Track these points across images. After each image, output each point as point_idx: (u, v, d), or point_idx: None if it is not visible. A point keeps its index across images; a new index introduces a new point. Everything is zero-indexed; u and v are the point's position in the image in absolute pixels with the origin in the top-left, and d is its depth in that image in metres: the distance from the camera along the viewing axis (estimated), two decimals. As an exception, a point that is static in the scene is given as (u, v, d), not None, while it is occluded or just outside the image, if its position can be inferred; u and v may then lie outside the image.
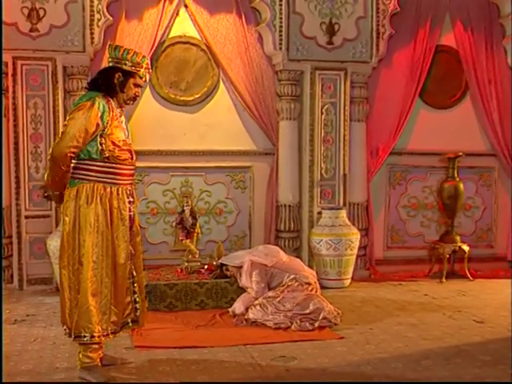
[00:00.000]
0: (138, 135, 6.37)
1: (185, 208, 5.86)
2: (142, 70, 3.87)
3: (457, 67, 7.16)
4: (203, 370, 3.95)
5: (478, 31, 7.08)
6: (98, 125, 3.70)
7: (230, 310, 5.18)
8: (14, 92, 5.99)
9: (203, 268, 5.80)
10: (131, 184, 3.95)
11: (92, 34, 6.02)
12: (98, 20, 6.04)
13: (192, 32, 6.56)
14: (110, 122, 3.75)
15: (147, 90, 6.50)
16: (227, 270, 5.51)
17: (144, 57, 3.94)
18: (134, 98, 3.96)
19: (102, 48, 6.12)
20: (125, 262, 3.83)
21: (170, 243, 6.59)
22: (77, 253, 3.74)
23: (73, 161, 3.75)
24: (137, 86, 3.90)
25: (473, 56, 7.06)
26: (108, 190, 3.77)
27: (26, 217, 6.08)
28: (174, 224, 6.20)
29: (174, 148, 6.57)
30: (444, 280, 6.56)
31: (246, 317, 4.97)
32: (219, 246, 6.00)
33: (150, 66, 3.96)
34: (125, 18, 6.27)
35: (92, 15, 6.03)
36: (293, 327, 4.79)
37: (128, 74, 3.84)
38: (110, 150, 3.75)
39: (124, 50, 3.86)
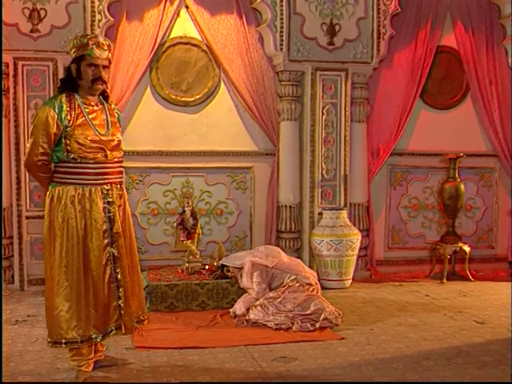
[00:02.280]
0: (139, 136, 6.41)
1: (185, 208, 5.86)
2: (89, 47, 3.65)
3: (458, 68, 7.15)
4: (204, 371, 3.95)
5: (478, 32, 7.08)
6: (58, 126, 3.61)
7: (230, 310, 5.18)
8: (14, 93, 5.99)
9: (204, 269, 5.80)
10: (111, 183, 3.75)
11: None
12: (99, 21, 6.04)
13: (193, 33, 6.56)
14: (71, 122, 3.63)
15: (148, 91, 6.51)
16: (228, 270, 5.51)
17: (87, 35, 3.77)
18: (97, 80, 3.69)
19: (103, 49, 6.13)
20: (99, 265, 3.68)
21: (170, 244, 6.59)
22: (51, 258, 3.68)
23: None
24: (91, 65, 3.66)
25: (473, 56, 7.06)
26: (79, 191, 3.67)
27: (27, 217, 6.08)
28: (174, 224, 6.20)
29: (175, 148, 6.57)
30: (445, 281, 6.55)
31: (246, 317, 4.97)
32: (220, 246, 6.01)
33: (98, 40, 3.70)
34: (126, 18, 6.27)
35: (93, 16, 6.03)
36: (294, 328, 4.79)
37: (79, 60, 3.68)
38: (75, 151, 3.64)
39: (70, 41, 3.75)
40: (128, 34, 6.27)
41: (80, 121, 3.66)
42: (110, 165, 3.75)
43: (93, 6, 6.02)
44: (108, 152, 3.72)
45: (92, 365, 3.84)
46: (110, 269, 3.73)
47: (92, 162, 3.68)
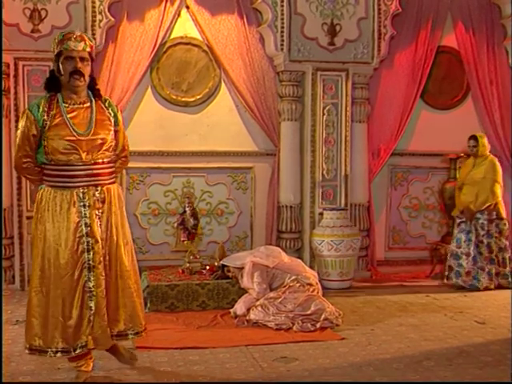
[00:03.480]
0: (140, 136, 6.39)
1: (186, 209, 5.86)
2: (64, 41, 3.58)
3: (458, 68, 7.16)
4: (204, 371, 3.95)
5: (479, 32, 7.09)
6: (36, 128, 3.57)
7: (231, 310, 5.19)
8: (15, 93, 6.00)
9: (205, 269, 5.81)
10: (87, 186, 3.60)
11: (94, 35, 6.00)
12: (100, 21, 6.04)
13: (193, 33, 6.56)
14: (48, 122, 3.56)
15: (149, 91, 6.51)
16: (228, 271, 5.52)
17: (63, 32, 3.68)
18: (74, 73, 3.56)
19: (104, 49, 6.14)
20: (70, 272, 3.54)
21: (171, 244, 6.59)
22: (32, 261, 3.67)
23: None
24: (68, 59, 3.57)
25: (474, 57, 7.07)
26: (56, 194, 3.59)
27: (28, 217, 6.08)
28: (175, 225, 6.20)
29: (176, 149, 6.57)
30: (445, 281, 6.55)
31: (247, 317, 4.98)
32: (220, 246, 6.01)
33: (74, 33, 3.63)
34: (126, 18, 6.27)
35: (94, 16, 6.03)
36: (294, 328, 4.79)
37: (58, 57, 3.61)
38: (51, 152, 3.58)
39: (52, 43, 3.69)
40: (129, 34, 6.27)
41: (56, 120, 3.59)
42: (86, 167, 3.61)
43: (93, 7, 6.03)
44: (83, 154, 3.58)
45: (92, 364, 3.82)
46: (84, 277, 3.57)
47: (66, 164, 3.59)
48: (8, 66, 5.97)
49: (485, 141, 6.33)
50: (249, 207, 6.81)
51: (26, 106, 3.73)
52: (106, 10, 6.06)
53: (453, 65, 7.17)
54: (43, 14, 5.96)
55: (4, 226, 6.05)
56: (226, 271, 5.54)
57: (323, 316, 4.88)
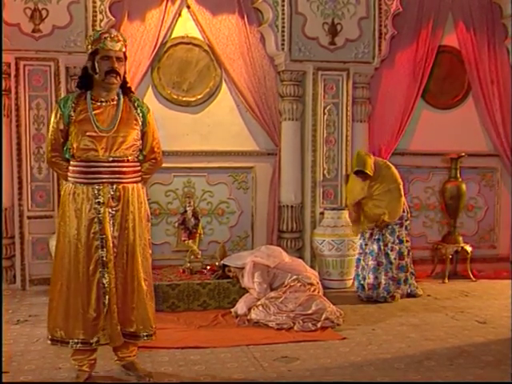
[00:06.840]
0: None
1: (187, 208, 5.87)
2: (101, 40, 3.61)
3: (459, 67, 7.15)
4: (205, 371, 3.95)
5: (480, 31, 7.08)
6: (63, 123, 3.64)
7: (232, 310, 5.19)
8: (16, 93, 6.00)
9: (205, 268, 5.82)
10: (103, 183, 3.63)
11: (94, 34, 6.01)
12: (101, 21, 6.04)
13: (194, 32, 6.56)
14: (73, 118, 3.61)
15: (149, 91, 6.51)
16: (229, 270, 5.52)
17: (100, 30, 3.74)
18: (110, 72, 3.60)
19: (105, 49, 6.14)
20: (86, 267, 3.60)
21: (172, 244, 6.58)
22: (56, 252, 3.74)
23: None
24: (104, 58, 3.60)
25: (475, 56, 7.06)
26: (78, 189, 3.63)
27: (29, 217, 6.09)
28: (176, 224, 6.21)
29: (177, 148, 6.56)
30: (446, 280, 6.56)
31: (248, 317, 4.98)
32: (221, 246, 6.01)
33: (111, 32, 3.68)
34: (127, 18, 6.27)
35: (95, 16, 6.04)
36: (295, 328, 4.79)
37: (93, 55, 3.63)
38: (73, 148, 3.63)
39: (86, 39, 3.75)
40: (129, 33, 6.25)
41: (81, 116, 3.63)
42: (103, 164, 3.63)
43: (94, 6, 6.03)
44: (100, 151, 3.61)
45: (94, 365, 3.82)
46: (99, 273, 3.62)
47: (84, 160, 3.63)
48: (9, 65, 5.97)
49: (369, 162, 5.72)
50: (250, 207, 6.81)
51: (57, 102, 3.80)
52: (107, 9, 6.05)
53: (454, 64, 7.16)
54: (44, 13, 5.96)
55: (5, 226, 6.06)
56: (226, 271, 5.54)
57: (324, 316, 4.89)
